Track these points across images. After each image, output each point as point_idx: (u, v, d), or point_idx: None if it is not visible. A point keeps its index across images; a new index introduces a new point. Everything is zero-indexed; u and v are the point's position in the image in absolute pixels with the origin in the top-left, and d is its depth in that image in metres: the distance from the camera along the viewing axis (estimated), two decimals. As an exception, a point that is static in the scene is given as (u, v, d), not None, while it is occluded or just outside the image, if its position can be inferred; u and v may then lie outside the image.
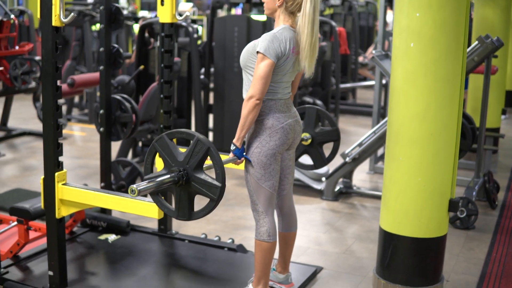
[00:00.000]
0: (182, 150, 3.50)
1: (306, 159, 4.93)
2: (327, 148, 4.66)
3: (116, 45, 5.28)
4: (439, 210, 4.22)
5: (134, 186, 3.23)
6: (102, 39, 5.13)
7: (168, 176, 3.38)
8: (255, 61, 3.78)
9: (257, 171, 3.87)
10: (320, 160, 4.71)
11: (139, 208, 3.83)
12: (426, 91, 4.01)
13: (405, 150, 4.14)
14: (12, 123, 9.75)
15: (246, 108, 3.73)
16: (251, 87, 3.73)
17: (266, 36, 3.75)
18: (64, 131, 9.58)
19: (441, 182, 4.17)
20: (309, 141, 4.66)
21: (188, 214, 3.47)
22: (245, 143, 3.93)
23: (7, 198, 6.10)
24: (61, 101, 5.81)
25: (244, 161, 3.92)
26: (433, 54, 3.95)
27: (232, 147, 3.83)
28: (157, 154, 3.52)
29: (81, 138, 9.38)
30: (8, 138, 9.05)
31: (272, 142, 3.84)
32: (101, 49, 5.13)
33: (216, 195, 3.35)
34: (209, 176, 3.39)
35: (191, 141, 3.40)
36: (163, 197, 3.52)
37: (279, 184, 4.11)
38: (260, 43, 3.74)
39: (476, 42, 5.73)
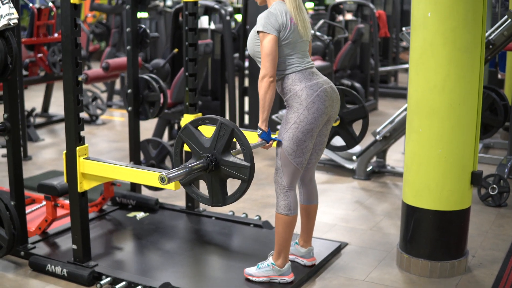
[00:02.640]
0: (210, 131, 3.53)
1: (337, 140, 4.90)
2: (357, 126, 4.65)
3: (143, 26, 5.34)
4: (460, 182, 4.18)
5: (164, 173, 3.29)
6: (128, 20, 5.20)
7: (197, 162, 3.41)
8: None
9: (289, 146, 3.84)
10: (352, 140, 4.65)
11: (156, 180, 3.88)
12: (445, 61, 3.97)
13: (424, 121, 4.11)
14: (53, 110, 9.95)
15: (262, 88, 3.73)
16: (261, 67, 3.74)
17: (261, 15, 3.77)
18: (104, 117, 9.75)
19: (462, 154, 4.13)
20: (338, 122, 4.61)
21: (223, 199, 3.50)
22: (282, 120, 3.92)
23: (42, 179, 6.23)
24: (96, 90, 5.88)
25: (273, 143, 3.92)
26: (451, 23, 3.91)
27: (259, 131, 3.84)
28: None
29: (120, 123, 9.52)
30: (48, 124, 9.25)
31: (311, 115, 3.78)
32: (128, 29, 5.21)
33: (246, 175, 3.37)
34: (237, 157, 3.42)
35: (215, 126, 3.42)
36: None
37: None
38: (258, 23, 3.76)
39: (506, 16, 5.62)
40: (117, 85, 11.43)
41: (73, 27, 3.87)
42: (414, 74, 4.13)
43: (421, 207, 4.24)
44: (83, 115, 9.03)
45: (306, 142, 3.84)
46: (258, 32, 3.75)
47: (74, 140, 4.01)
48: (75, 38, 3.89)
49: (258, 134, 3.85)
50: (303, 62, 3.88)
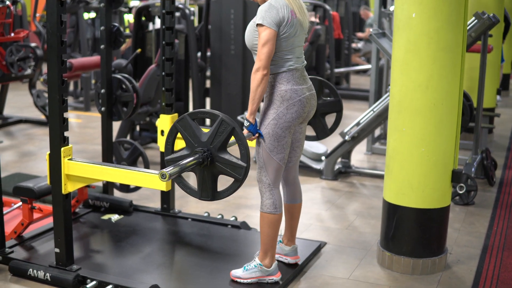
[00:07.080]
0: (205, 130, 3.51)
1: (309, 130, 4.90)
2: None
3: (116, 24, 5.26)
4: (442, 180, 4.25)
5: (164, 170, 3.25)
6: (102, 18, 5.11)
7: (193, 157, 3.39)
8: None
9: (270, 143, 3.85)
10: (323, 131, 4.65)
11: (145, 181, 3.83)
12: (429, 60, 4.03)
13: (408, 120, 4.16)
14: (7, 111, 9.72)
15: (255, 81, 3.70)
16: (256, 59, 3.71)
17: (262, 7, 3.74)
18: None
19: (444, 153, 4.21)
20: None
21: (212, 194, 3.49)
22: (260, 115, 3.92)
23: (8, 182, 6.08)
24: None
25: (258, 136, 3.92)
26: (435, 24, 3.98)
27: (246, 123, 3.81)
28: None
29: (77, 125, 9.36)
30: (4, 126, 9.02)
31: (289, 115, 3.82)
32: (102, 28, 5.12)
33: (241, 175, 3.38)
34: (233, 156, 3.41)
35: (215, 121, 3.40)
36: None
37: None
38: (258, 16, 3.72)
39: (473, 18, 5.75)
40: (71, 87, 11.23)
41: (59, 24, 3.77)
42: (398, 73, 4.19)
43: (403, 205, 4.30)
44: (41, 117, 8.82)
45: (286, 137, 3.86)
46: (257, 24, 3.72)
47: (59, 140, 3.92)
48: (60, 35, 3.80)
49: (245, 126, 3.82)
50: (297, 61, 3.87)
